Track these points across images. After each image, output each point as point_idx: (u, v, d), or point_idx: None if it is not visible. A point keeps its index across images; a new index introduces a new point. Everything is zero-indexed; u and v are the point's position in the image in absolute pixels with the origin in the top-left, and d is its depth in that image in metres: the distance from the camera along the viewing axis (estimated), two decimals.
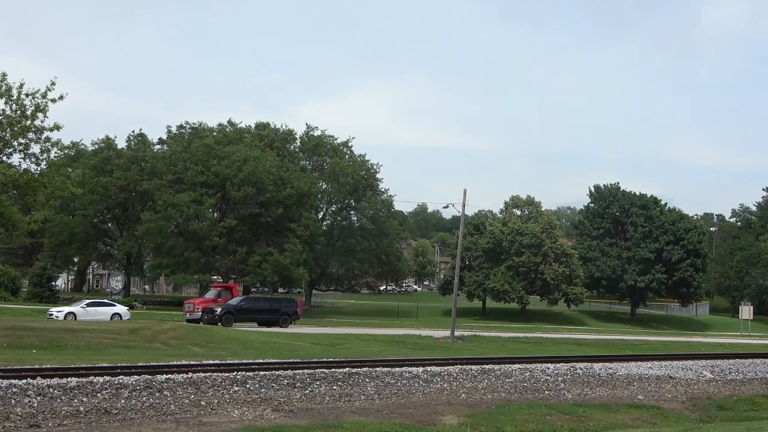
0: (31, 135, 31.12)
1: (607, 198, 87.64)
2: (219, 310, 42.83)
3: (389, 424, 13.91)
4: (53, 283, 65.44)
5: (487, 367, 21.54)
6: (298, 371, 17.89)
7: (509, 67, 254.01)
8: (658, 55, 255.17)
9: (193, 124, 77.37)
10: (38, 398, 13.49)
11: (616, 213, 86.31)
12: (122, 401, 14.04)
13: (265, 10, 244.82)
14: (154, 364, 18.30)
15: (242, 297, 49.44)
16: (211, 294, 48.32)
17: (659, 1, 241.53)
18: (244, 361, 20.12)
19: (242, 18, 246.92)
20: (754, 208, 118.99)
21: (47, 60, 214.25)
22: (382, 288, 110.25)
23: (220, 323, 40.71)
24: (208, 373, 16.67)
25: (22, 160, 32.68)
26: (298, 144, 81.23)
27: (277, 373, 17.44)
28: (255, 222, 65.30)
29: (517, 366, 22.33)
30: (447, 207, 46.14)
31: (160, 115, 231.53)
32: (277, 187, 64.06)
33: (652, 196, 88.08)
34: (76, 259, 77.04)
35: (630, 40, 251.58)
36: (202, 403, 14.64)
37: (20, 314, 42.91)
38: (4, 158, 32.15)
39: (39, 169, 33.66)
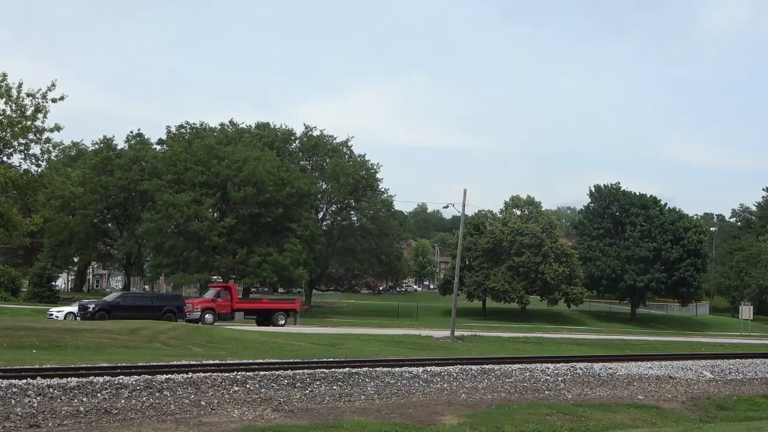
0: (31, 135, 31.08)
1: (607, 198, 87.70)
2: (92, 306, 40.89)
3: (389, 424, 13.91)
4: (53, 283, 65.45)
5: (487, 367, 21.53)
6: (298, 371, 17.88)
7: (509, 67, 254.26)
8: (658, 55, 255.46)
9: (193, 124, 77.60)
10: (38, 398, 13.49)
11: (616, 213, 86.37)
12: (122, 401, 14.03)
13: (265, 10, 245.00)
14: (154, 364, 18.29)
15: (119, 293, 47.97)
16: (209, 294, 48.24)
17: (659, 2, 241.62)
18: (244, 361, 20.11)
19: (242, 18, 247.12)
20: (754, 208, 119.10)
21: (47, 60, 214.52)
22: (381, 288, 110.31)
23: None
24: (208, 373, 16.66)
25: (22, 160, 32.69)
26: (298, 144, 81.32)
27: (277, 373, 17.43)
28: (255, 222, 65.36)
29: (517, 366, 22.32)
30: (447, 207, 46.12)
31: (160, 115, 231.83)
32: (277, 187, 64.10)
33: (651, 196, 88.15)
34: (76, 259, 77.13)
35: (630, 41, 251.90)
36: (202, 403, 14.63)
37: (20, 314, 42.95)
38: (5, 158, 32.14)
39: (39, 170, 33.65)
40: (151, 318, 39.14)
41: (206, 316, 44.54)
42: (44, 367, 16.63)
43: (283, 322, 47.15)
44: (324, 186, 76.64)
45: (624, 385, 21.66)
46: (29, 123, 30.55)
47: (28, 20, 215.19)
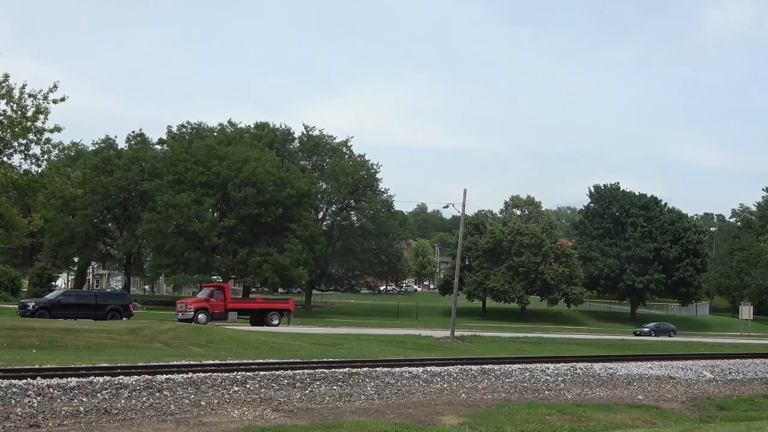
0: (31, 136, 31.08)
1: (607, 198, 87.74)
2: (32, 304, 39.80)
3: (389, 424, 13.91)
4: (53, 283, 65.39)
5: (487, 367, 21.53)
6: (298, 371, 17.88)
7: (511, 68, 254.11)
8: (660, 57, 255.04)
9: (194, 124, 77.59)
10: (38, 398, 13.48)
11: (616, 213, 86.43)
12: (122, 401, 14.03)
13: (268, 11, 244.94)
14: (154, 364, 18.30)
15: (62, 291, 46.77)
16: (203, 294, 48.20)
17: (662, 5, 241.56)
18: (244, 361, 20.12)
19: (244, 18, 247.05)
20: (754, 208, 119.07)
21: (50, 61, 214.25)
22: (382, 288, 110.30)
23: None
24: (208, 373, 16.66)
25: (22, 160, 32.67)
26: (297, 144, 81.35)
27: (277, 373, 17.43)
28: (255, 222, 65.39)
29: (517, 366, 22.32)
30: (447, 207, 46.40)
31: (161, 115, 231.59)
32: (277, 187, 64.13)
33: (652, 196, 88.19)
34: (76, 259, 77.06)
35: (632, 42, 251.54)
36: (202, 403, 14.63)
37: None
38: (5, 159, 32.13)
39: (39, 170, 33.63)
40: (93, 317, 38.60)
41: (199, 316, 44.52)
42: (44, 367, 16.63)
43: (276, 321, 47.15)
44: (324, 186, 76.65)
45: (624, 385, 21.66)
46: (29, 124, 30.54)
47: (32, 23, 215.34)
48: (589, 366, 23.51)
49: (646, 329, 62.87)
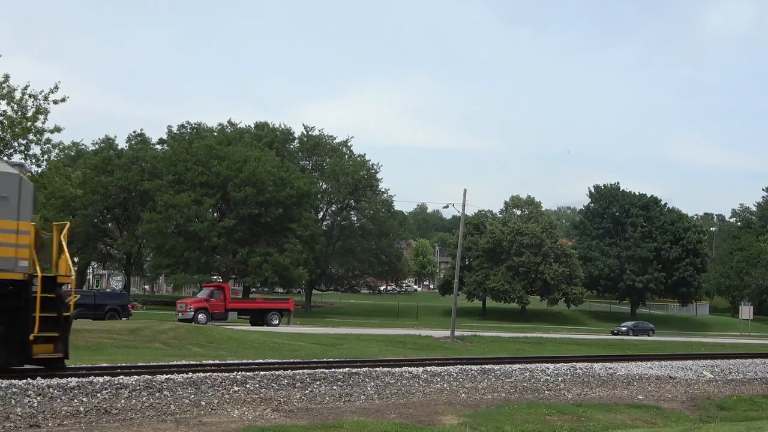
0: (31, 136, 31.13)
1: (607, 198, 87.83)
2: None
3: (389, 424, 13.90)
4: None
5: (487, 367, 21.52)
6: (298, 371, 17.87)
7: (511, 68, 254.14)
8: (660, 57, 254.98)
9: (194, 124, 77.67)
10: (38, 398, 13.47)
11: (616, 213, 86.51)
12: (122, 401, 14.03)
13: (268, 11, 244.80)
14: (154, 364, 18.30)
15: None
16: (203, 294, 48.38)
17: (662, 5, 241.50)
18: (244, 361, 20.12)
19: (244, 18, 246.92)
20: (754, 208, 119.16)
21: (50, 61, 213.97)
22: (382, 288, 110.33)
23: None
24: (208, 373, 16.65)
25: (22, 160, 32.68)
26: (297, 144, 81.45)
27: (277, 373, 17.42)
28: (255, 222, 65.45)
29: (517, 366, 22.30)
30: (447, 207, 46.50)
31: (162, 115, 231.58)
32: (277, 187, 64.20)
33: (652, 196, 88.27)
34: (76, 259, 77.06)
35: (632, 42, 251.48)
36: (202, 403, 14.63)
37: None
38: (5, 159, 32.13)
39: (39, 170, 33.66)
40: (92, 317, 38.27)
41: (199, 316, 44.67)
42: None
43: (276, 321, 47.26)
44: (324, 186, 76.72)
45: (624, 385, 21.65)
46: (30, 124, 30.58)
47: (33, 23, 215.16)
48: (589, 366, 23.49)
49: (624, 328, 62.53)
